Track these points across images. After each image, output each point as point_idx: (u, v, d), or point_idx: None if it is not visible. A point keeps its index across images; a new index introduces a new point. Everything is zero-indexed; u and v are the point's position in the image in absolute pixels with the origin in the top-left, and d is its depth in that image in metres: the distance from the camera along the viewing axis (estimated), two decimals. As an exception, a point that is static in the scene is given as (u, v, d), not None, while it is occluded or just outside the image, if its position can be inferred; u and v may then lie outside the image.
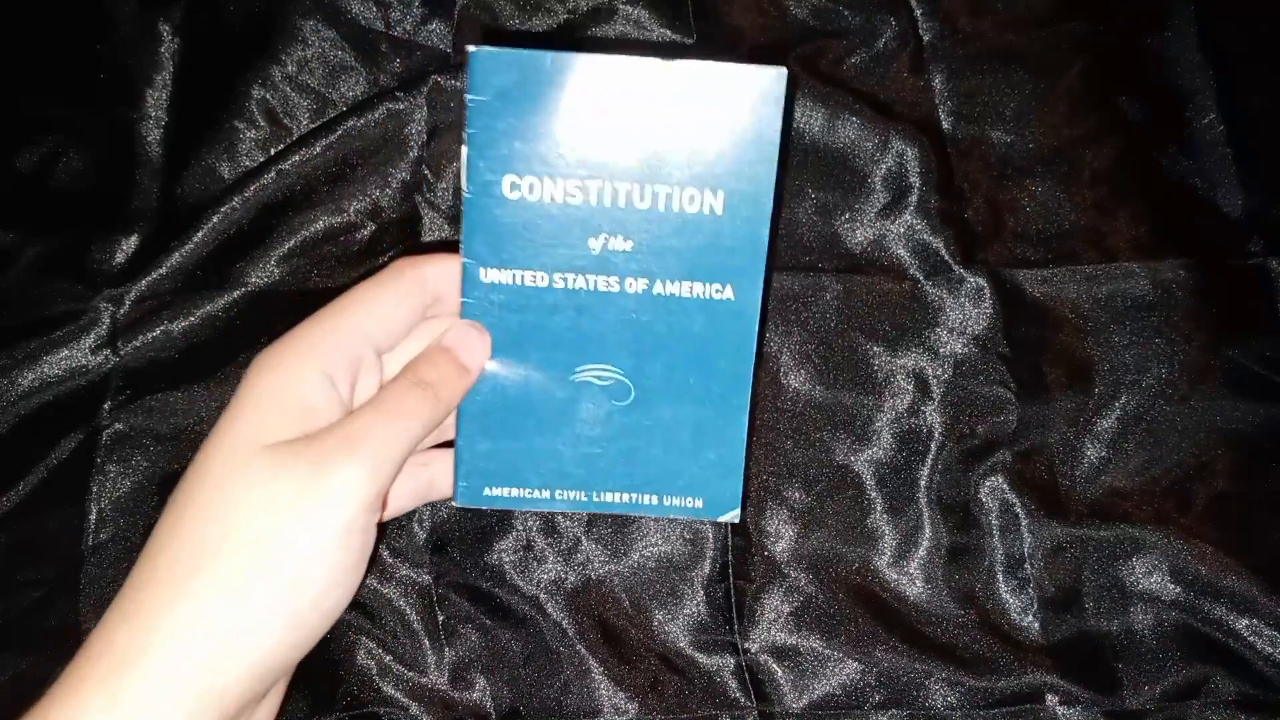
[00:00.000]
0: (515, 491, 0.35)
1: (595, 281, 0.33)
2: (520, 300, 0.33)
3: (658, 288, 0.33)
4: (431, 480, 0.35)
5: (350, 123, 0.45)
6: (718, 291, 0.33)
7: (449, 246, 0.39)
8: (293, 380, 0.30)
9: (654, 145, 0.32)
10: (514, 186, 0.32)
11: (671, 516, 0.37)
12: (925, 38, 0.48)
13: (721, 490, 0.35)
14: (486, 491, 0.35)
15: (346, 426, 0.29)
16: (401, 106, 0.45)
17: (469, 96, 0.31)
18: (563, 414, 0.34)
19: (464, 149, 0.32)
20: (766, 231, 0.33)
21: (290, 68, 0.47)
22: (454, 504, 0.35)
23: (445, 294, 0.33)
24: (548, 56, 0.31)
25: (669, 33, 0.47)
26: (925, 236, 0.45)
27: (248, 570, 0.28)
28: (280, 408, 0.29)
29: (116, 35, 0.47)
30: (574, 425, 0.34)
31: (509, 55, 0.31)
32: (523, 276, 0.33)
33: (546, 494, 0.35)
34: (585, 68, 0.31)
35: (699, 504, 0.36)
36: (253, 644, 0.28)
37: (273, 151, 0.46)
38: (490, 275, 0.33)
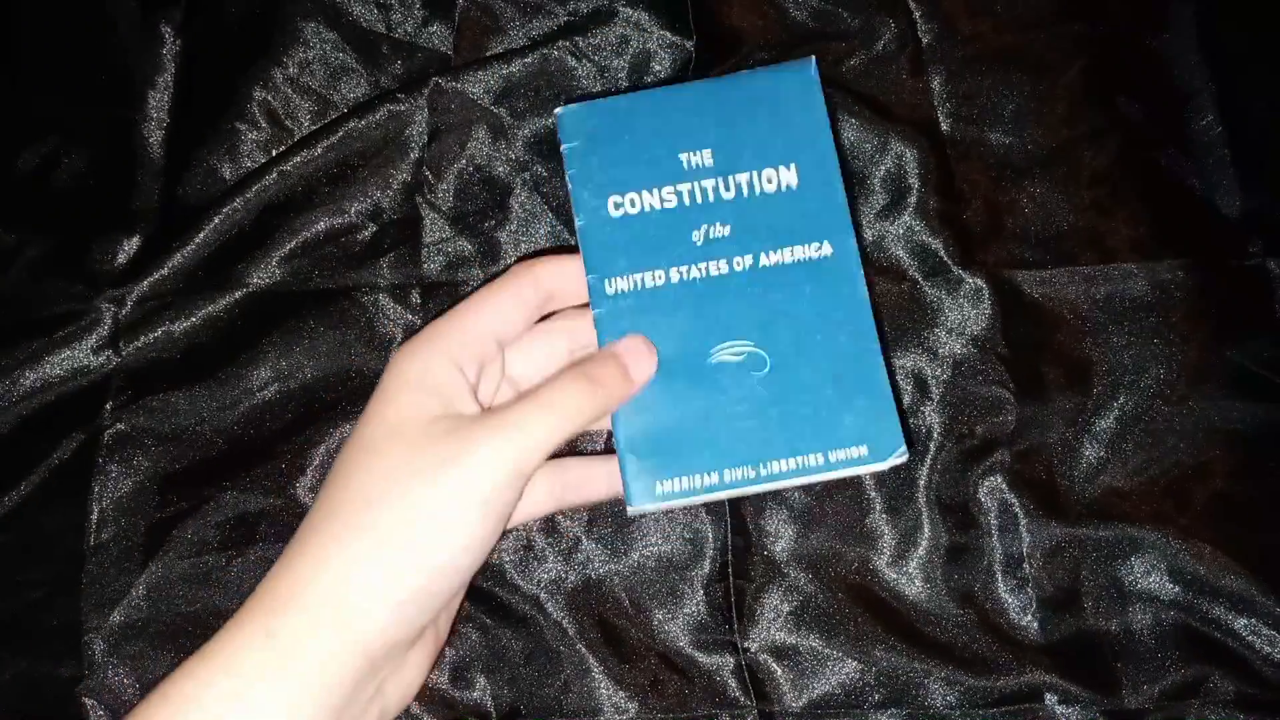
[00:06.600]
0: (685, 481, 0.35)
1: (706, 268, 0.36)
2: (644, 301, 0.36)
3: (763, 259, 0.36)
4: (565, 485, 0.38)
5: (351, 124, 0.45)
6: (816, 250, 0.36)
7: (566, 250, 0.42)
8: (426, 366, 0.34)
9: (724, 144, 0.37)
10: (617, 205, 0.37)
11: (841, 473, 0.36)
12: (924, 39, 0.48)
13: (881, 433, 0.35)
14: (658, 488, 0.35)
15: (503, 410, 0.33)
16: (402, 108, 0.46)
17: (564, 146, 0.37)
18: (709, 396, 0.36)
19: (570, 189, 0.37)
20: (841, 186, 0.37)
21: (291, 69, 0.47)
22: (630, 511, 0.35)
23: (558, 290, 0.37)
24: (620, 100, 0.37)
25: (669, 34, 0.47)
26: (924, 237, 0.45)
27: (391, 530, 0.31)
28: (419, 388, 0.33)
29: (118, 36, 0.47)
30: (723, 404, 0.35)
31: (589, 107, 0.38)
32: (641, 279, 0.36)
33: (715, 477, 0.35)
34: (651, 100, 0.37)
35: (864, 451, 0.35)
36: (393, 592, 0.31)
37: (274, 152, 0.46)
38: (614, 285, 0.36)
